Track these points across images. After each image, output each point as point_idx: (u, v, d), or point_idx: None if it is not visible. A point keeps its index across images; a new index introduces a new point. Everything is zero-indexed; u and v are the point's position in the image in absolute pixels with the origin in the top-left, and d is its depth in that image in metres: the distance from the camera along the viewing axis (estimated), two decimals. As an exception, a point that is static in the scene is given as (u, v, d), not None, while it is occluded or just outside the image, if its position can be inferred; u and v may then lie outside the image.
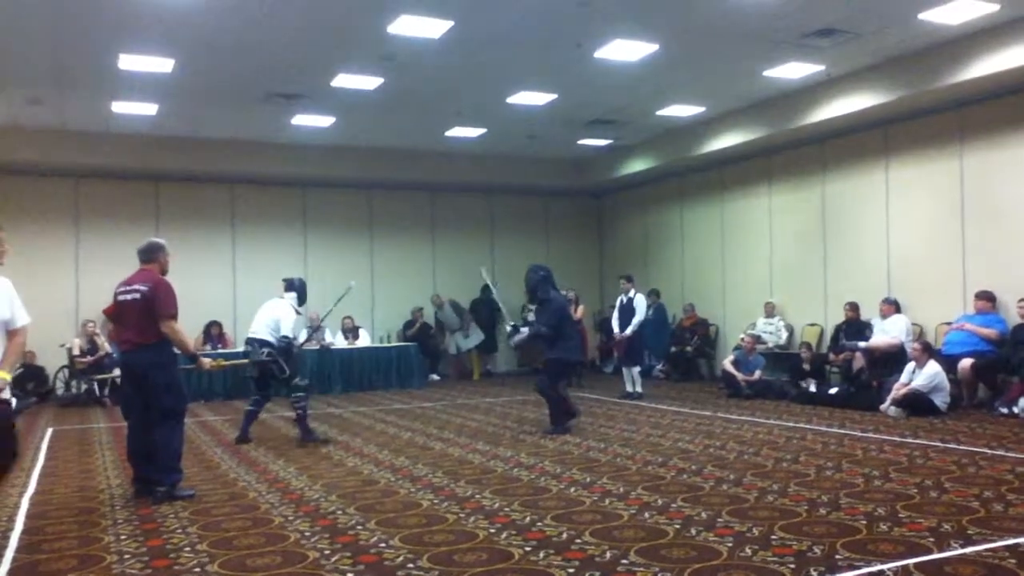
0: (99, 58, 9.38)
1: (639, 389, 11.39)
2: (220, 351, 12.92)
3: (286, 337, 8.02)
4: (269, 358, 7.96)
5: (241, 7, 8.03)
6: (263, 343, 8.08)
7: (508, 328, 9.22)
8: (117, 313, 6.03)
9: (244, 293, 14.54)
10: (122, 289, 5.96)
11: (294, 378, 8.14)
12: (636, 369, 11.53)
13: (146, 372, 5.79)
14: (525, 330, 8.81)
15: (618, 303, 11.83)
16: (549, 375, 8.71)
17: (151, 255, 6.08)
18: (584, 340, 14.38)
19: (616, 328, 11.68)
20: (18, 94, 10.77)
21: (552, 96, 11.52)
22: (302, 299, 8.40)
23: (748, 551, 4.20)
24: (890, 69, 10.25)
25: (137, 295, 5.83)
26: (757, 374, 11.24)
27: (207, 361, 6.41)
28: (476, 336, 15.59)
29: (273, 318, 8.15)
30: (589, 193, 17.42)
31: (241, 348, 13.35)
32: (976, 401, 9.45)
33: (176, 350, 5.92)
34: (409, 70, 10.09)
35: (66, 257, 13.71)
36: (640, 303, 11.59)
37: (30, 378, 12.91)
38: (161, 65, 9.65)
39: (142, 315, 5.79)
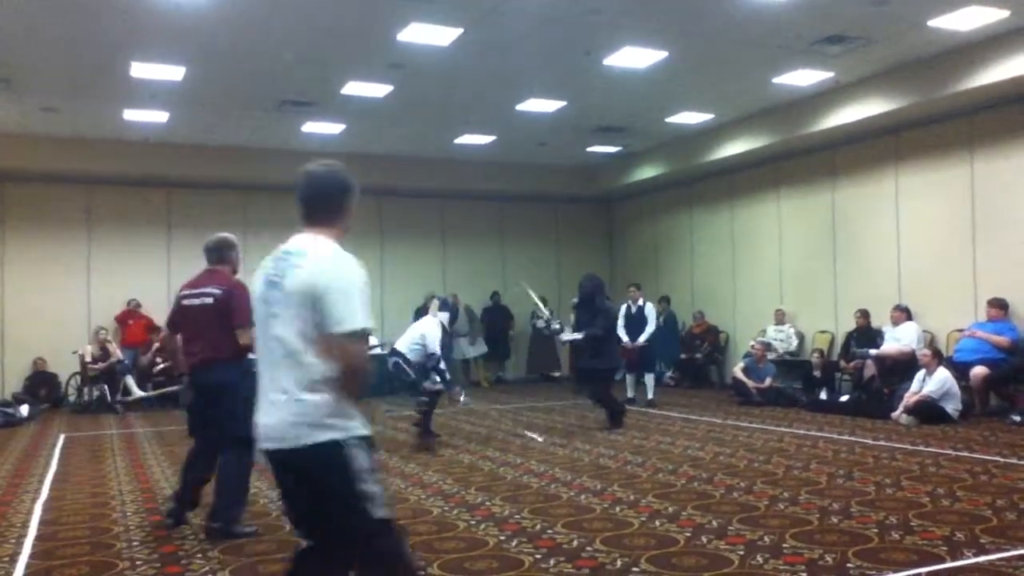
0: (111, 66, 9.44)
1: (651, 396, 11.39)
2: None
3: (434, 355, 8.47)
4: (395, 367, 8.43)
5: (251, 15, 8.08)
6: (394, 352, 8.55)
7: (555, 326, 10.05)
8: (181, 320, 5.18)
9: (254, 300, 14.60)
10: (187, 292, 5.16)
11: (422, 383, 8.50)
12: (650, 376, 11.57)
13: (218, 393, 5.01)
14: (578, 334, 9.46)
15: (624, 310, 11.69)
16: (601, 384, 9.37)
17: (222, 254, 5.29)
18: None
19: (625, 336, 11.54)
20: (31, 102, 10.84)
21: (561, 103, 11.53)
22: (454, 319, 8.95)
23: (759, 559, 4.19)
24: (900, 76, 10.23)
25: (209, 300, 5.03)
26: (768, 381, 11.21)
27: None
28: (480, 347, 15.59)
29: (419, 334, 8.53)
30: (598, 200, 17.41)
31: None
32: (988, 409, 9.40)
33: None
34: (419, 78, 10.12)
35: (78, 264, 13.78)
36: (651, 312, 11.61)
37: (42, 384, 12.99)
38: (172, 73, 9.71)
39: (214, 324, 4.98)
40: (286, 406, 2.54)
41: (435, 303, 9.09)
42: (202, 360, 5.05)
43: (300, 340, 2.53)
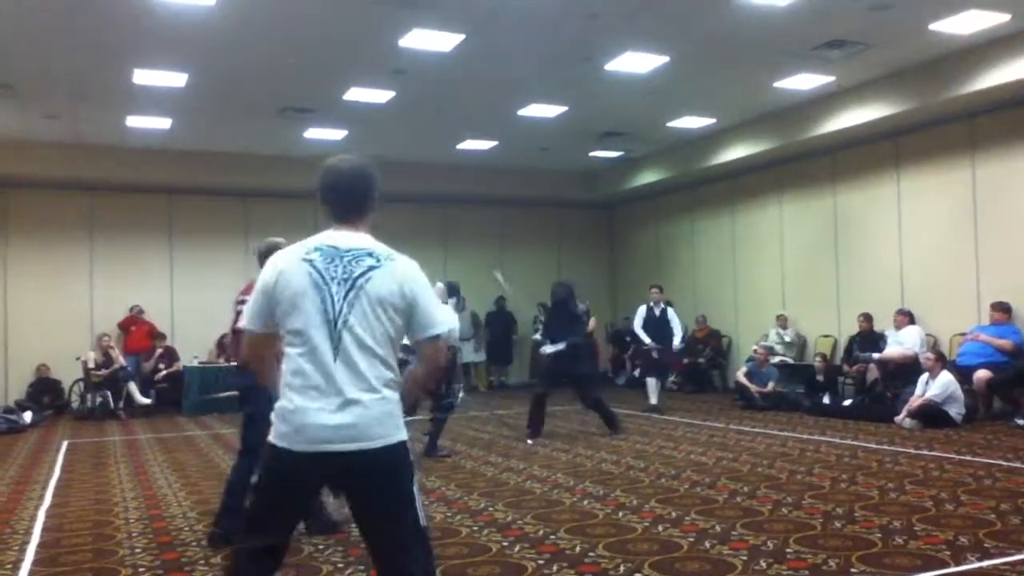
0: (113, 73, 9.47)
1: (655, 400, 11.26)
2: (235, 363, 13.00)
3: (454, 347, 7.57)
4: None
5: (253, 22, 8.10)
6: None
7: (536, 337, 9.46)
8: (236, 327, 5.17)
9: (257, 306, 14.62)
10: (240, 299, 5.14)
11: (450, 390, 7.77)
12: (657, 381, 11.35)
13: (243, 400, 5.09)
14: (561, 344, 9.12)
15: (644, 312, 11.27)
16: (592, 389, 9.25)
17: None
18: (596, 352, 14.35)
19: (647, 339, 11.12)
20: (34, 109, 10.88)
21: (563, 108, 11.55)
22: (458, 304, 8.11)
23: (763, 564, 4.18)
24: (901, 80, 10.23)
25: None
26: (770, 386, 11.19)
27: None
28: (482, 353, 15.60)
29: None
30: (600, 205, 17.43)
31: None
32: (992, 413, 9.38)
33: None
34: (420, 83, 10.14)
35: (81, 270, 13.81)
36: (674, 315, 11.22)
37: (46, 391, 13.00)
38: (175, 80, 9.73)
39: None
40: (373, 404, 2.52)
41: (440, 288, 8.00)
42: (238, 367, 5.08)
43: (385, 340, 2.57)
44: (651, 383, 11.21)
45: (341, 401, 2.50)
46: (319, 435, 2.50)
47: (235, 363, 5.10)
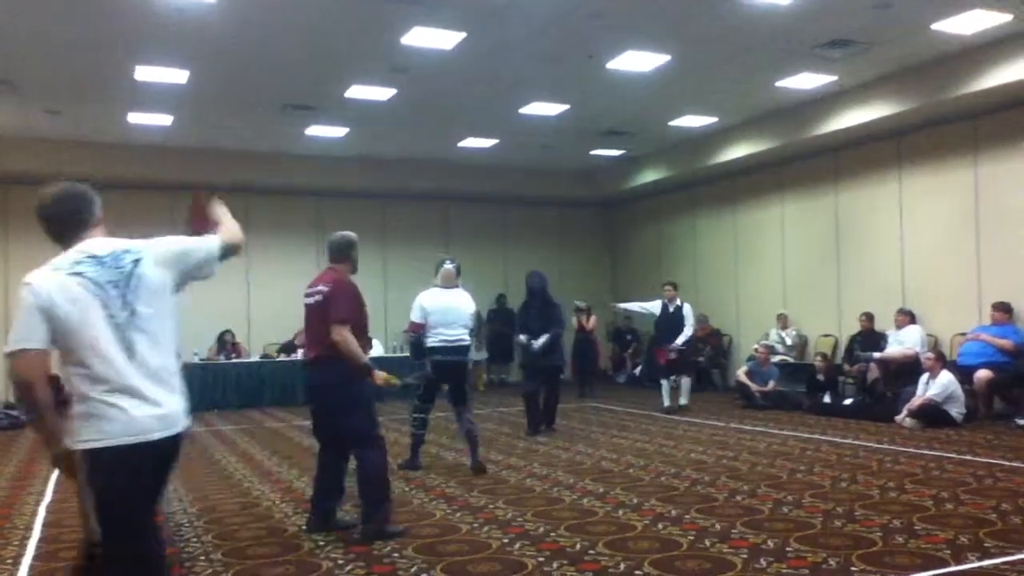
0: (115, 69, 9.47)
1: (685, 401, 11.04)
2: (236, 360, 13.07)
3: (473, 329, 7.30)
4: (455, 364, 7.14)
5: (255, 19, 8.10)
6: (465, 349, 7.20)
7: (521, 338, 9.37)
8: (305, 320, 5.22)
9: (257, 302, 14.62)
10: (307, 291, 5.14)
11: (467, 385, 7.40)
12: (687, 380, 11.21)
13: (328, 391, 5.02)
14: (544, 338, 9.05)
15: (659, 306, 11.16)
16: (558, 383, 9.38)
17: (342, 252, 5.20)
18: (597, 350, 14.34)
19: (632, 306, 11.20)
20: (36, 105, 10.88)
21: (564, 107, 11.54)
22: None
23: (763, 563, 4.18)
24: (903, 79, 10.22)
25: (319, 297, 4.99)
26: (771, 385, 11.19)
27: (381, 375, 5.18)
28: (484, 351, 15.56)
29: (470, 313, 7.25)
30: (601, 203, 17.43)
31: (256, 358, 13.50)
32: (993, 413, 9.37)
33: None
34: (422, 81, 10.13)
35: (82, 267, 13.79)
36: (689, 312, 11.06)
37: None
38: (177, 76, 9.73)
39: (321, 322, 4.95)
40: (173, 394, 2.73)
41: (450, 270, 7.34)
42: (310, 360, 5.13)
43: (170, 328, 2.77)
44: (665, 386, 11.07)
45: (149, 397, 2.61)
46: (145, 426, 2.60)
47: (309, 359, 5.18)
